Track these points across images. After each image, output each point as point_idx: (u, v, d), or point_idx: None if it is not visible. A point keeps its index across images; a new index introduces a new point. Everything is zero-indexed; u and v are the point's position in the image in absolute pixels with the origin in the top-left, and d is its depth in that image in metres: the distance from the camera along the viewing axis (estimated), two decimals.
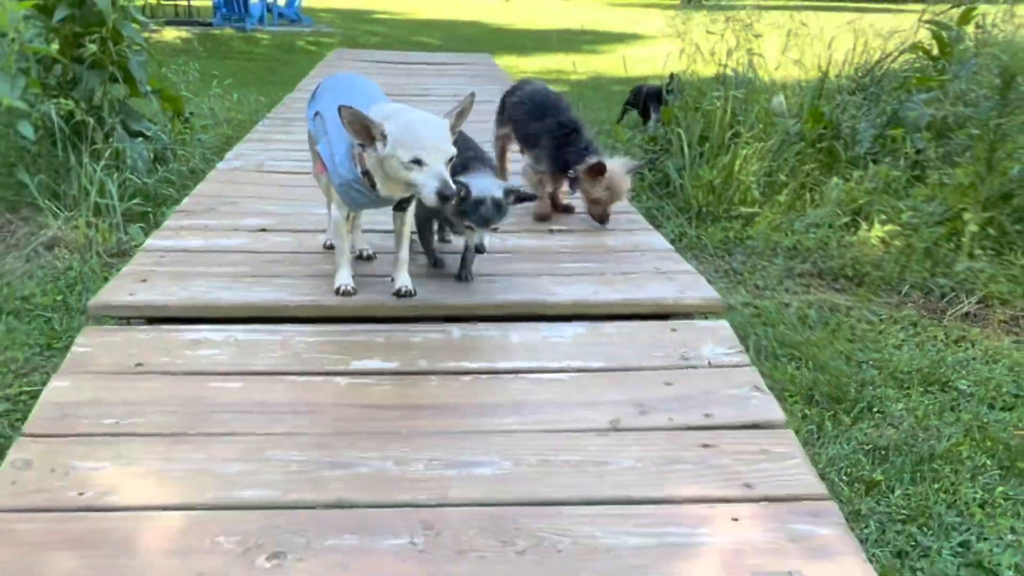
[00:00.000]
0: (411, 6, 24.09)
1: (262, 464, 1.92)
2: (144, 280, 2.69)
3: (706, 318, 2.66)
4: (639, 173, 5.85)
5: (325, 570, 1.65)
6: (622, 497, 1.84)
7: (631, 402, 2.15)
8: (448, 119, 2.50)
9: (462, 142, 2.60)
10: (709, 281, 3.05)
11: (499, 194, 2.53)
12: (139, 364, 2.26)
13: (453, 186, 2.36)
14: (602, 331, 2.52)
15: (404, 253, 2.70)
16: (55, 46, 5.05)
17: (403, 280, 2.69)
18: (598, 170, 3.56)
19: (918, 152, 4.83)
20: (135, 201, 4.76)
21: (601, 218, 3.70)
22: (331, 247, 2.90)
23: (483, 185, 2.47)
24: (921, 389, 3.34)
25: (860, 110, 5.64)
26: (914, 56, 6.08)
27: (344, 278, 2.68)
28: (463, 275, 2.81)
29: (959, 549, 2.49)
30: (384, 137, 2.36)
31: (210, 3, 16.56)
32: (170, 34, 13.54)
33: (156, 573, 1.63)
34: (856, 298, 4.14)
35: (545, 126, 3.67)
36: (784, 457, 1.96)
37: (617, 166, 3.65)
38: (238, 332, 2.43)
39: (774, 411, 2.13)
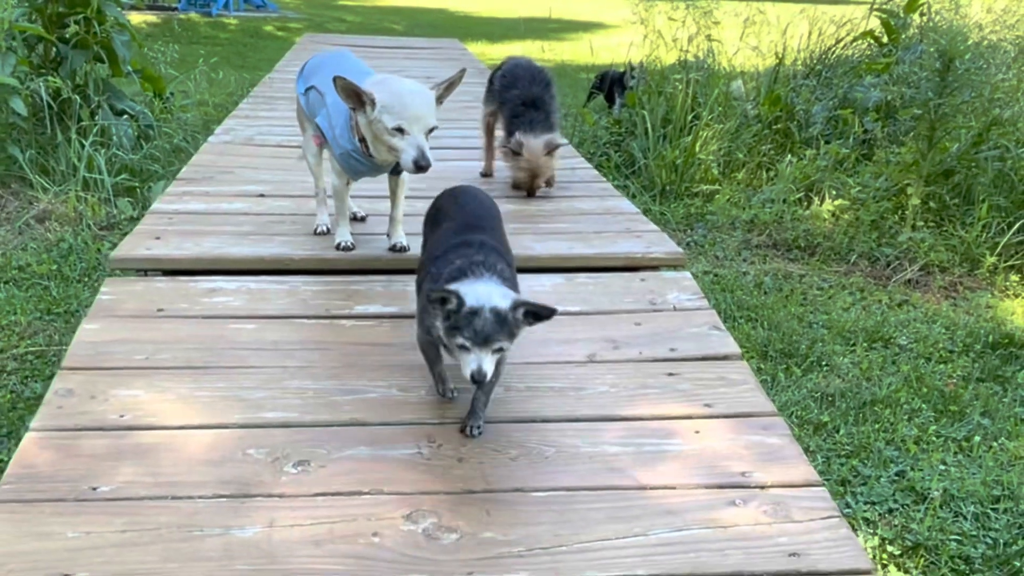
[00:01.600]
0: None
1: (281, 391, 2.17)
2: (158, 238, 2.92)
3: (675, 270, 2.95)
4: (604, 154, 6.15)
5: (345, 474, 1.91)
6: (599, 415, 2.12)
7: (605, 339, 2.44)
8: (436, 91, 2.64)
9: (464, 245, 2.12)
10: (686, 267, 3.35)
11: (502, 304, 1.89)
12: (160, 309, 2.50)
13: (430, 158, 2.51)
14: (578, 281, 2.81)
15: (399, 212, 2.95)
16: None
17: (399, 237, 2.94)
18: (514, 150, 3.77)
19: (866, 132, 5.17)
20: (122, 176, 4.94)
21: (529, 191, 3.83)
22: (325, 232, 3.14)
23: (481, 292, 1.90)
24: (865, 345, 3.67)
25: (814, 94, 5.98)
26: (865, 43, 6.44)
27: (344, 235, 2.93)
28: (468, 427, 2.06)
29: (895, 477, 2.81)
30: (373, 103, 2.55)
31: None
32: (136, 19, 13.54)
33: (199, 478, 1.87)
34: (808, 267, 4.46)
35: (509, 97, 3.86)
36: (739, 383, 2.26)
37: (537, 145, 3.75)
38: (249, 282, 2.68)
39: (730, 346, 2.43)
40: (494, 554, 1.72)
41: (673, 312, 2.61)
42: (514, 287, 2.06)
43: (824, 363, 3.52)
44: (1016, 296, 4.16)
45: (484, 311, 1.87)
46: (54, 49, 5.32)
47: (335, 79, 2.55)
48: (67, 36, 5.28)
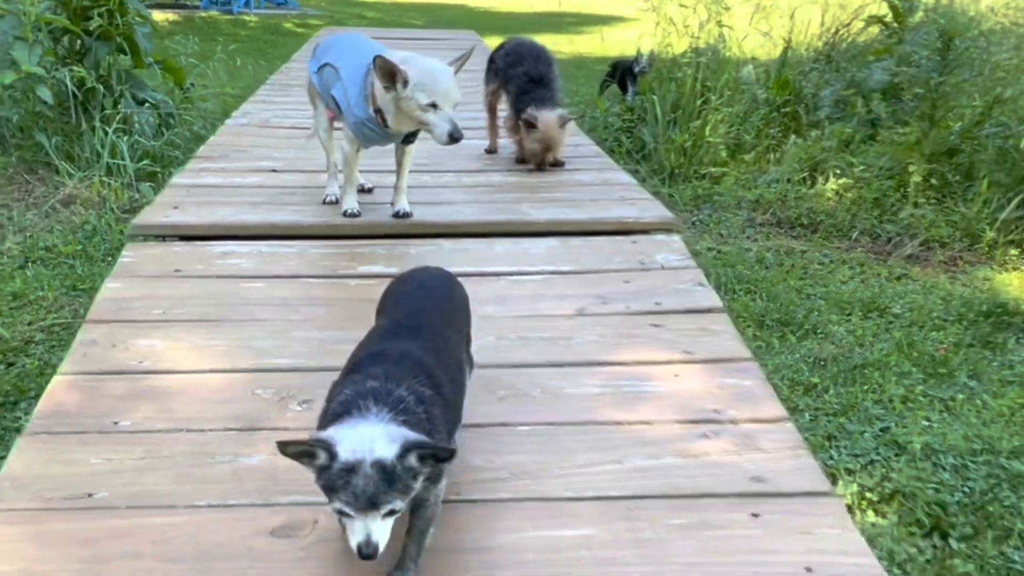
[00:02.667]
0: None
1: (289, 341, 2.36)
2: (176, 207, 3.13)
3: (666, 233, 3.11)
4: (616, 140, 6.30)
5: None
6: (585, 360, 2.29)
7: (595, 295, 2.61)
8: (453, 67, 2.94)
9: (375, 360, 1.69)
10: (677, 231, 3.51)
11: (387, 454, 1.46)
12: (177, 270, 2.70)
13: (462, 130, 2.77)
14: (571, 243, 2.98)
15: (403, 181, 3.16)
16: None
17: (402, 204, 3.13)
18: (530, 123, 4.00)
19: (868, 112, 5.29)
20: (144, 162, 5.16)
21: (539, 164, 4.08)
22: (334, 202, 3.34)
23: (361, 439, 1.48)
24: (861, 315, 3.80)
25: (823, 77, 6.09)
26: (875, 28, 6.54)
27: (351, 203, 3.13)
28: None
29: (879, 433, 2.95)
30: (406, 81, 2.78)
31: None
32: (158, 16, 13.87)
33: (211, 414, 2.06)
34: (810, 243, 4.59)
35: (515, 74, 4.10)
36: (719, 333, 2.42)
37: (552, 119, 4.03)
38: (261, 246, 2.88)
39: (713, 300, 2.60)
40: (481, 478, 1.89)
41: (661, 271, 2.78)
42: (439, 408, 1.64)
43: (819, 331, 3.65)
44: (1015, 269, 4.27)
45: (364, 466, 1.44)
46: (78, 41, 5.55)
47: (375, 58, 2.79)
48: (91, 28, 5.50)
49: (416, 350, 1.70)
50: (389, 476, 1.44)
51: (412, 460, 1.47)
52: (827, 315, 3.79)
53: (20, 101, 5.09)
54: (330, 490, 1.47)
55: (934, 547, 2.44)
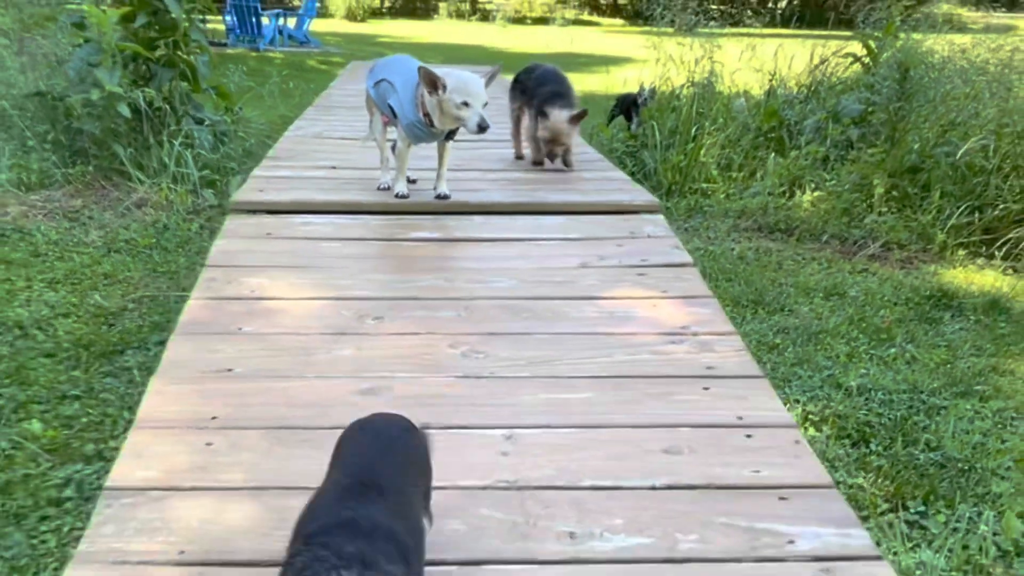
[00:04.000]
0: (413, 31, 25.63)
1: (360, 280, 3.16)
2: (261, 191, 3.97)
3: (652, 214, 3.93)
4: (620, 162, 7.13)
5: (407, 324, 2.89)
6: (585, 295, 3.09)
7: (595, 255, 3.41)
8: (484, 78, 3.86)
9: (333, 530, 1.47)
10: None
11: None
12: (269, 233, 3.52)
13: (489, 121, 3.69)
14: (578, 219, 3.81)
15: (444, 170, 4.03)
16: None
17: (443, 188, 3.98)
18: (544, 113, 4.84)
19: (842, 134, 6.12)
20: (204, 172, 6.01)
21: (548, 155, 4.89)
22: (386, 188, 4.21)
23: None
24: (823, 297, 4.57)
25: (806, 107, 6.94)
26: (853, 63, 7.41)
27: (401, 187, 3.98)
28: None
29: (825, 378, 3.71)
30: (444, 87, 3.73)
31: (223, 27, 17.95)
32: None
33: (309, 325, 2.85)
34: (786, 244, 5.39)
35: (542, 92, 4.95)
36: (688, 279, 3.22)
37: (563, 114, 4.90)
38: (332, 218, 3.71)
39: (686, 258, 3.39)
40: (508, 363, 2.67)
41: (647, 239, 3.58)
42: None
43: (786, 308, 4.42)
44: (961, 266, 5.05)
45: None
46: (144, 67, 6.43)
47: (419, 68, 3.77)
48: (157, 56, 6.39)
49: (385, 520, 1.52)
50: None
51: None
52: (794, 298, 4.56)
53: (100, 117, 5.94)
54: None
55: (858, 451, 3.19)
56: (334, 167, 4.58)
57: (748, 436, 2.38)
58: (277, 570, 1.82)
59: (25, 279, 4.44)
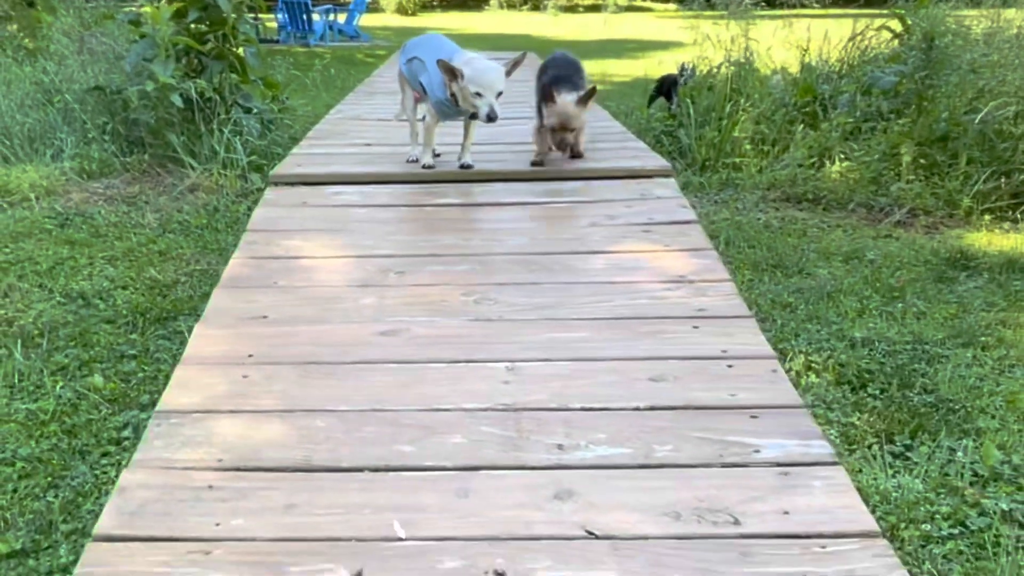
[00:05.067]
0: (464, 23, 26.05)
1: (386, 240, 3.51)
2: (299, 165, 4.36)
3: (664, 178, 4.21)
4: (658, 140, 7.38)
5: (425, 277, 3.24)
6: (593, 250, 3.38)
7: (605, 215, 3.71)
8: (506, 67, 4.15)
9: None
10: (701, 208, 4.58)
11: None
12: (304, 202, 3.89)
13: (498, 112, 3.97)
14: (592, 184, 4.12)
15: (468, 142, 4.39)
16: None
17: (466, 158, 4.34)
18: (549, 97, 4.53)
19: (869, 106, 6.29)
20: (252, 158, 6.43)
21: (560, 145, 4.59)
22: (415, 161, 4.61)
23: None
24: (841, 260, 4.78)
25: (842, 81, 7.11)
26: (893, 40, 7.55)
27: (428, 158, 4.34)
28: None
29: (833, 331, 3.94)
30: (462, 76, 4.07)
31: (275, 24, 18.57)
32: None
33: (336, 280, 3.21)
34: (813, 214, 5.59)
35: (543, 80, 4.84)
36: (692, 235, 3.49)
37: (569, 97, 4.54)
38: (363, 188, 4.08)
39: (692, 215, 3.66)
40: (515, 309, 2.99)
41: (656, 200, 3.87)
42: None
43: (804, 272, 4.64)
44: (985, 230, 5.20)
45: None
46: (196, 60, 6.88)
47: (438, 61, 4.11)
48: (207, 50, 6.83)
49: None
50: None
51: None
52: (814, 262, 4.78)
53: (155, 108, 6.40)
54: None
55: (856, 395, 3.42)
56: (368, 144, 4.96)
57: (729, 366, 2.66)
58: (299, 474, 2.20)
59: (87, 257, 4.88)
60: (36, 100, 7.02)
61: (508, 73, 4.15)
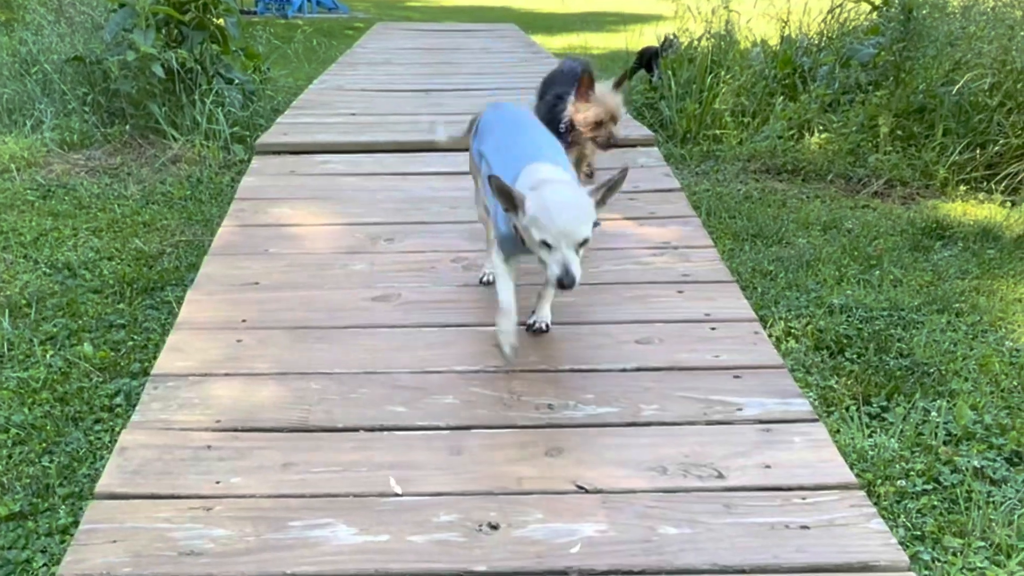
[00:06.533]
0: None
1: (374, 209, 3.55)
2: (285, 134, 4.38)
3: (647, 147, 4.27)
4: (639, 113, 7.43)
5: (415, 244, 3.28)
6: None
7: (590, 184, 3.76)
8: (595, 196, 2.55)
9: None
10: (682, 179, 4.63)
11: None
12: (292, 171, 3.93)
13: (575, 274, 2.37)
14: None
15: (545, 301, 2.89)
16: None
17: (540, 316, 2.91)
18: (588, 84, 3.76)
19: (848, 78, 6.37)
20: (235, 129, 6.43)
21: (607, 143, 3.68)
22: (490, 283, 3.05)
23: None
24: (820, 230, 4.87)
25: (821, 54, 7.18)
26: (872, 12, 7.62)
27: (510, 337, 2.59)
28: None
29: (812, 298, 4.03)
30: (524, 208, 2.45)
31: None
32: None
33: (325, 247, 3.25)
34: (792, 184, 5.68)
35: (544, 103, 4.00)
36: (676, 202, 3.57)
37: (604, 86, 3.86)
38: (350, 156, 4.10)
39: (675, 183, 3.74)
40: None
41: (640, 168, 3.93)
42: None
43: (784, 241, 4.73)
44: (961, 200, 5.31)
45: None
46: (176, 30, 6.84)
47: (490, 178, 2.49)
48: (188, 19, 6.80)
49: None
50: None
51: None
52: (793, 232, 4.87)
53: (135, 78, 6.38)
54: None
55: (834, 360, 3.52)
56: (354, 114, 4.98)
57: (712, 329, 2.74)
58: (295, 434, 2.26)
59: (71, 228, 4.88)
60: (14, 71, 6.96)
61: (601, 201, 2.60)
